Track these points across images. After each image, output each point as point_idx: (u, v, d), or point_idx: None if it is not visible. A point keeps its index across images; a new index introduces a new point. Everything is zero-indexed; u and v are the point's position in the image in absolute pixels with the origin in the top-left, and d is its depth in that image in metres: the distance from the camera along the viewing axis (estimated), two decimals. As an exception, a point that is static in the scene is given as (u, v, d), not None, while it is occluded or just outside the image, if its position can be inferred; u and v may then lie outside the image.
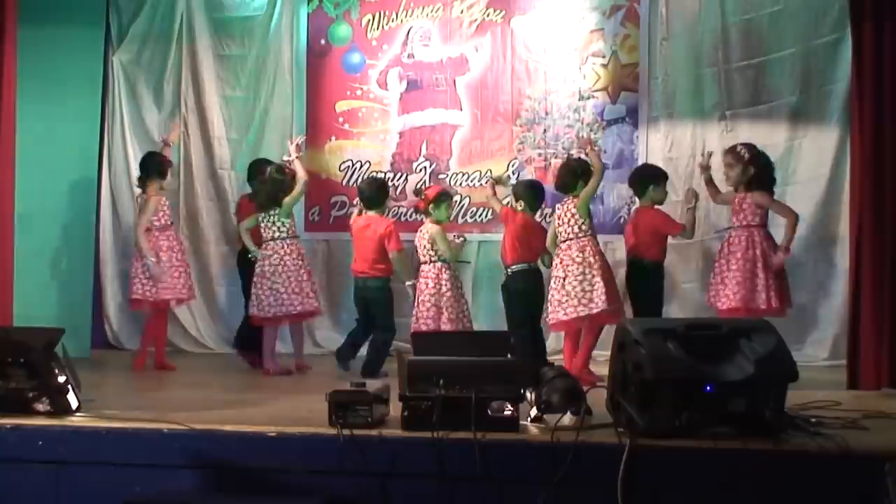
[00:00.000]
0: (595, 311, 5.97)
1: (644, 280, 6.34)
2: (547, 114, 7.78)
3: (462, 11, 7.89)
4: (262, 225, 6.60)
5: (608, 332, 5.90)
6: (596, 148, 6.56)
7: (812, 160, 7.30)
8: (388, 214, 7.01)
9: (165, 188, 6.87)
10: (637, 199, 6.71)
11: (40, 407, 4.19)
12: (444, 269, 6.38)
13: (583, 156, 6.52)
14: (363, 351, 6.67)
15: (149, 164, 6.85)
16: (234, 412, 4.53)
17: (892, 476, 3.46)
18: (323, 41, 8.07)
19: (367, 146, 8.01)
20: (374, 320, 6.60)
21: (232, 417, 4.27)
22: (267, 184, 6.58)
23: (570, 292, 6.02)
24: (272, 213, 6.55)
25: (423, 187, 6.81)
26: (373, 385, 4.05)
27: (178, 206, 7.83)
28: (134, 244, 6.82)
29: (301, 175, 6.62)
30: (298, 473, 3.87)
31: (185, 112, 8.09)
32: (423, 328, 6.25)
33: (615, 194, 7.60)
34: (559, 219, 6.20)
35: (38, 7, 6.68)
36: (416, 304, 6.41)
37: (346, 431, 3.81)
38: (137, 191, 7.09)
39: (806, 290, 7.08)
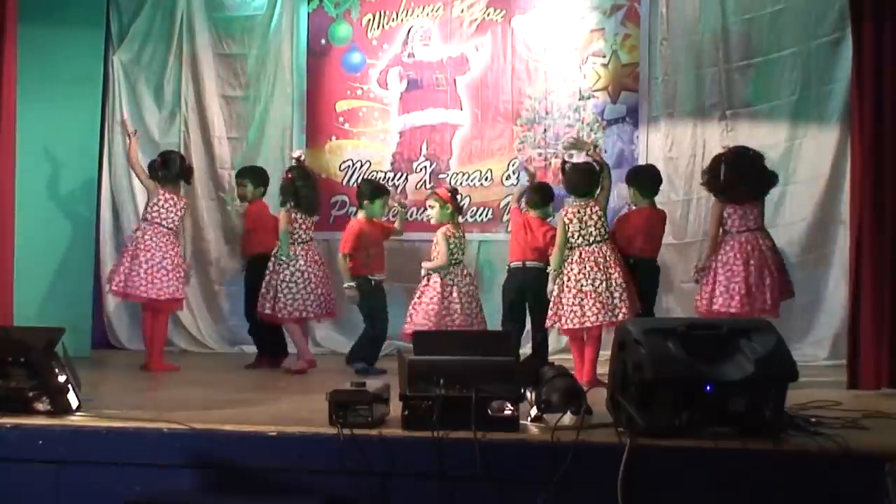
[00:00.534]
0: (619, 318, 5.77)
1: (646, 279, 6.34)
2: (547, 113, 7.78)
3: (462, 11, 7.90)
4: (298, 226, 6.65)
5: (608, 332, 5.91)
6: (598, 149, 6.56)
7: (812, 160, 7.30)
8: (388, 213, 7.15)
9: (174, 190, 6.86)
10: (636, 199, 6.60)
11: (40, 406, 4.18)
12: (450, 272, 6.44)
13: (583, 158, 6.51)
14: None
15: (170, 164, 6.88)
16: (234, 412, 4.53)
17: (892, 476, 3.46)
18: (323, 41, 8.08)
19: (367, 146, 8.02)
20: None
21: (232, 417, 4.27)
22: (310, 188, 6.72)
23: (592, 297, 5.90)
24: (307, 216, 6.68)
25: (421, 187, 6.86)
26: (373, 385, 4.05)
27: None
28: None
29: None
30: (298, 473, 3.87)
31: (185, 112, 8.10)
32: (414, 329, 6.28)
33: (615, 194, 7.56)
34: (581, 222, 6.02)
35: (38, 7, 6.69)
36: (418, 301, 6.46)
37: (346, 431, 3.80)
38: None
39: (806, 290, 7.08)
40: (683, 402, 3.73)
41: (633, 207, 6.58)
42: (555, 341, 7.44)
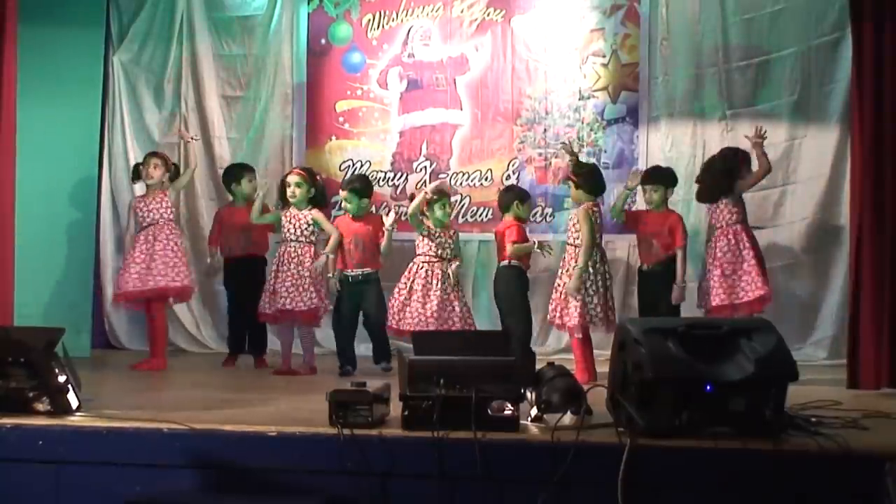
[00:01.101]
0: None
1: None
2: (547, 113, 7.78)
3: (462, 11, 7.89)
4: (293, 225, 6.60)
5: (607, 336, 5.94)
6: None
7: (812, 160, 7.30)
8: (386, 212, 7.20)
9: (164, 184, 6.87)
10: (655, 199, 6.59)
11: (40, 407, 4.18)
12: (434, 265, 6.43)
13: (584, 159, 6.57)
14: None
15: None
16: (234, 412, 4.52)
17: (892, 476, 3.46)
18: (323, 41, 8.08)
19: (367, 146, 8.02)
20: None
21: (232, 417, 4.26)
22: (318, 186, 6.73)
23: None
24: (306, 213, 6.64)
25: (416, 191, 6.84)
26: (373, 385, 4.05)
27: (179, 206, 7.82)
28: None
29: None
30: (298, 473, 3.87)
31: (185, 112, 8.10)
32: (407, 327, 6.32)
33: (615, 194, 7.58)
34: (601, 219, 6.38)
35: (38, 7, 6.69)
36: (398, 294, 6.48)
37: (346, 431, 3.80)
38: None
39: (806, 290, 7.09)
40: (683, 402, 3.73)
41: (649, 208, 6.59)
42: (555, 341, 7.47)
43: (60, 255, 7.29)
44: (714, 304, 6.15)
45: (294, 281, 6.50)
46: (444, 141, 7.92)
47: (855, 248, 5.73)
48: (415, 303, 6.40)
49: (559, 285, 6.31)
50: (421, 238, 6.53)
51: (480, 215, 7.79)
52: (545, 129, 7.78)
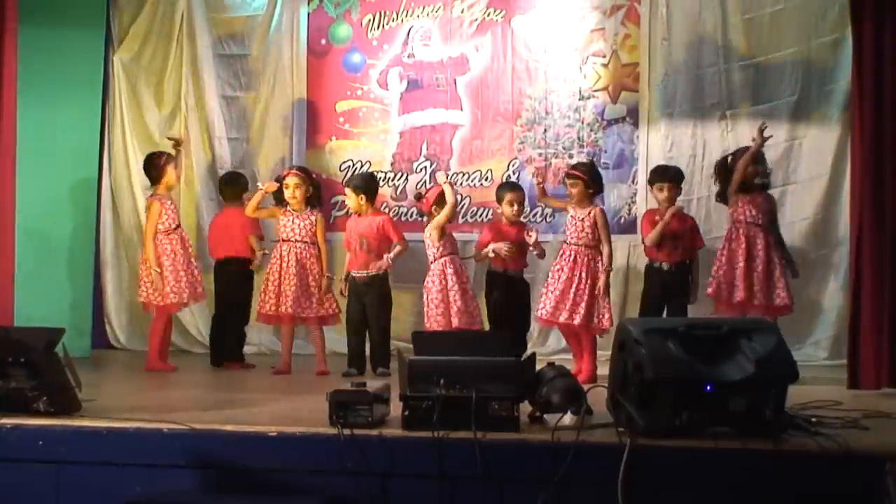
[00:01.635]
0: None
1: None
2: (547, 113, 7.78)
3: (462, 11, 7.89)
4: (297, 226, 6.61)
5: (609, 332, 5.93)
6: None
7: (812, 160, 7.31)
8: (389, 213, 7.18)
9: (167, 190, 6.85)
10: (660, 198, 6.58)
11: (40, 407, 4.18)
12: (447, 264, 6.37)
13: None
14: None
15: (145, 168, 6.89)
16: (234, 412, 4.53)
17: (892, 476, 3.46)
18: (323, 41, 8.08)
19: (367, 146, 8.02)
20: None
21: (232, 417, 4.27)
22: (315, 185, 6.75)
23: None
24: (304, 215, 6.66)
25: (423, 190, 6.78)
26: (373, 385, 4.05)
27: (179, 207, 7.81)
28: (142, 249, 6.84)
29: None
30: (298, 473, 3.87)
31: (185, 112, 8.10)
32: (436, 326, 6.24)
33: (615, 194, 7.60)
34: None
35: (38, 7, 6.70)
36: (426, 303, 6.38)
37: (346, 431, 3.80)
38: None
39: (806, 290, 7.08)
40: (683, 402, 3.73)
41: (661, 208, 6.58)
42: (555, 341, 7.46)
43: (60, 255, 7.29)
44: (737, 299, 6.14)
45: (302, 284, 6.51)
46: (445, 141, 7.92)
47: (855, 248, 5.72)
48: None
49: (565, 286, 6.24)
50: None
51: (480, 215, 7.79)
52: (545, 130, 7.78)
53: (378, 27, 8.00)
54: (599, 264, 6.24)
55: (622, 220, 7.54)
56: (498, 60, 7.84)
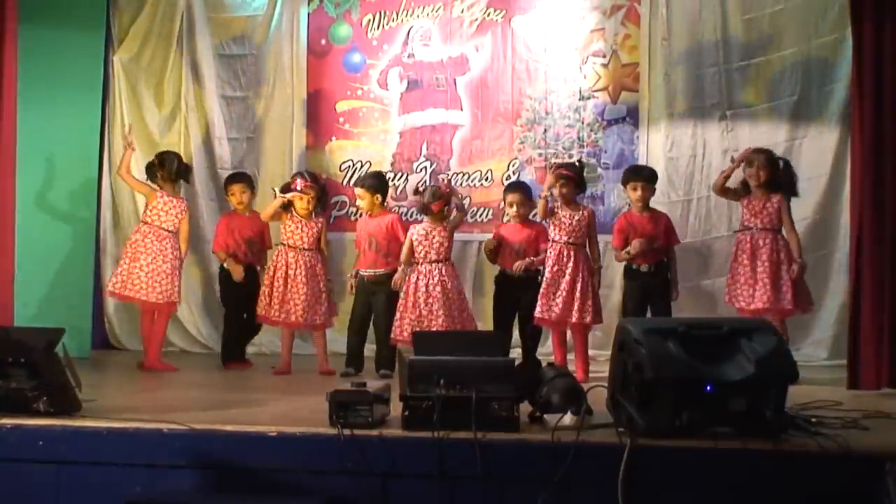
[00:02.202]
0: None
1: None
2: (547, 113, 7.78)
3: (462, 11, 7.89)
4: (305, 233, 6.62)
5: (608, 333, 5.93)
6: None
7: (812, 160, 7.30)
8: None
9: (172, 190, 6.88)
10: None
11: (40, 407, 4.18)
12: (441, 268, 6.36)
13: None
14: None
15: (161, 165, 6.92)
16: (234, 412, 4.53)
17: (892, 476, 3.46)
18: (323, 41, 8.08)
19: (367, 146, 8.02)
20: None
21: (232, 417, 4.27)
22: (322, 187, 6.76)
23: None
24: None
25: (422, 187, 6.74)
26: (373, 385, 4.05)
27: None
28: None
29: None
30: (298, 473, 3.87)
31: (185, 112, 8.10)
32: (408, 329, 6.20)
33: (615, 194, 7.60)
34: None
35: (38, 7, 6.69)
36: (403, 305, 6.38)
37: (346, 431, 3.80)
38: None
39: (806, 290, 7.08)
40: (683, 402, 3.73)
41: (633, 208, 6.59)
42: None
43: (60, 255, 7.28)
44: (753, 306, 6.13)
45: (312, 292, 6.53)
46: (444, 141, 7.92)
47: (855, 248, 5.72)
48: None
49: (569, 285, 6.24)
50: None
51: (480, 215, 7.79)
52: (545, 130, 7.78)
53: (378, 27, 8.00)
54: (590, 262, 6.33)
55: (622, 220, 7.53)
56: (498, 60, 7.84)
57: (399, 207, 7.80)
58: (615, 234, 6.56)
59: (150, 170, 6.87)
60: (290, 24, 8.07)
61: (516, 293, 6.43)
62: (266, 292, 6.61)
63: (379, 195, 6.68)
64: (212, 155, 8.09)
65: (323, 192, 6.83)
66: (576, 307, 6.20)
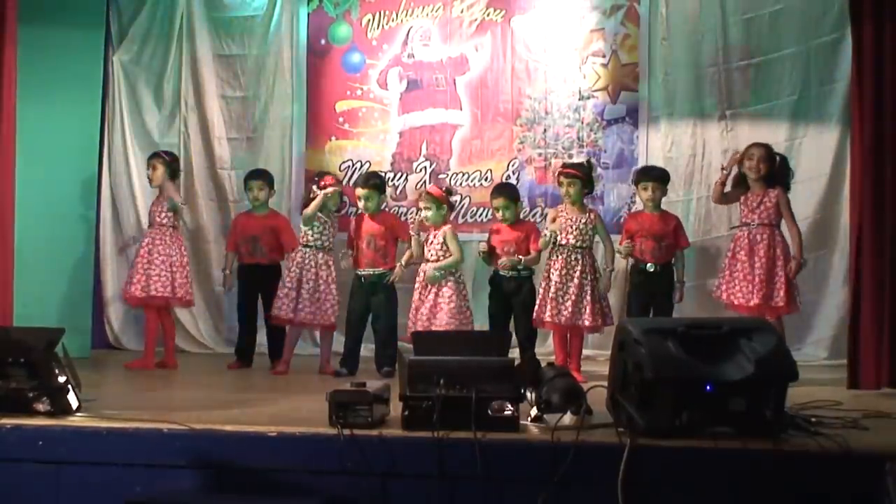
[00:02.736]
0: None
1: None
2: (547, 113, 7.78)
3: (462, 11, 7.89)
4: (328, 231, 6.68)
5: (608, 333, 5.93)
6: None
7: (812, 160, 7.30)
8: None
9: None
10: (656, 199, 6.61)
11: (40, 407, 4.17)
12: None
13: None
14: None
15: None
16: (234, 412, 4.52)
17: (892, 476, 3.46)
18: (323, 41, 8.08)
19: (367, 146, 8.02)
20: None
21: (232, 417, 4.27)
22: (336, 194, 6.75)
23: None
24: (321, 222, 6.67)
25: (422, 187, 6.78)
26: (373, 385, 4.05)
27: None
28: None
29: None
30: (298, 473, 3.87)
31: (185, 112, 8.10)
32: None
33: (615, 194, 7.61)
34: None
35: (38, 7, 6.68)
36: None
37: (346, 431, 3.80)
38: None
39: (806, 290, 7.07)
40: (683, 402, 3.73)
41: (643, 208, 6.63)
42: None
43: (60, 255, 7.28)
44: (752, 303, 6.14)
45: (324, 289, 6.55)
46: (444, 141, 7.92)
47: (855, 248, 5.73)
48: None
49: (578, 289, 6.26)
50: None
51: (480, 216, 7.79)
52: (545, 130, 7.78)
53: (378, 27, 8.00)
54: (596, 265, 6.35)
55: (622, 219, 7.51)
56: (498, 60, 7.84)
57: (399, 207, 7.80)
58: (623, 233, 6.60)
59: (174, 169, 7.03)
60: (289, 24, 8.07)
61: (508, 292, 6.44)
62: (282, 293, 6.59)
63: (383, 195, 6.77)
64: (211, 155, 8.09)
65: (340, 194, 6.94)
66: (587, 312, 6.22)
